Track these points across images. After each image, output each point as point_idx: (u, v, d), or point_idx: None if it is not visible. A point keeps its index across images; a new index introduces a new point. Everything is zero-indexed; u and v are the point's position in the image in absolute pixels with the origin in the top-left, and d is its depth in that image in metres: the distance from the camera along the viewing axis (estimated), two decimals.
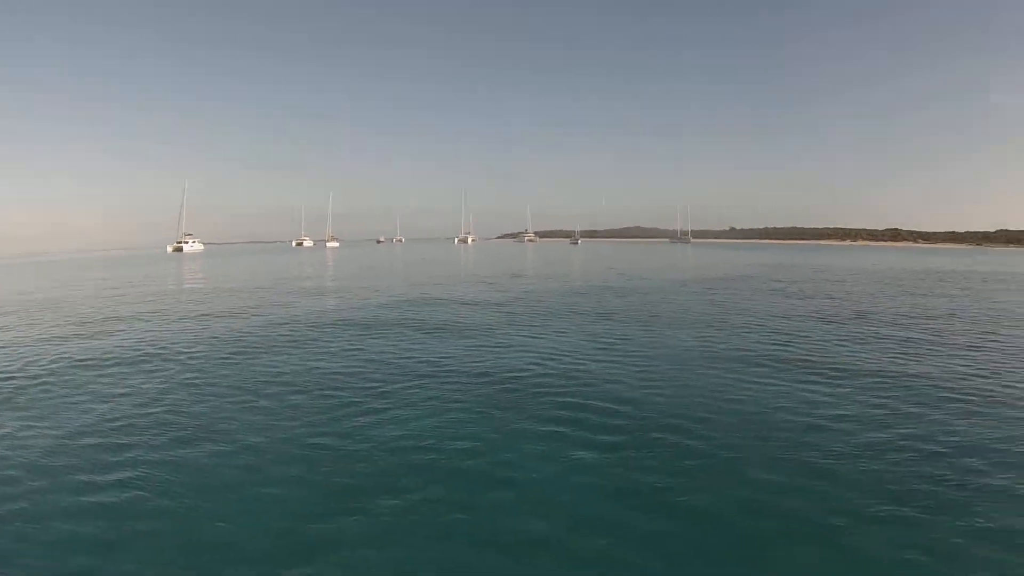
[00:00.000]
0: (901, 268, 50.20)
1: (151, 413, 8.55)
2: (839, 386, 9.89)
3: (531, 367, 11.21)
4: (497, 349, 13.10)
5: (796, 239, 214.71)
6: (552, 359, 11.93)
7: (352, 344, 13.65)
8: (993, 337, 15.07)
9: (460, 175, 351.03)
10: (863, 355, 12.63)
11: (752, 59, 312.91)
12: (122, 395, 9.54)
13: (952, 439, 7.33)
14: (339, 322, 17.09)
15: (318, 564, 4.67)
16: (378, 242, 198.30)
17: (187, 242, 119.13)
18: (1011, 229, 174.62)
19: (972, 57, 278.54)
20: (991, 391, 9.66)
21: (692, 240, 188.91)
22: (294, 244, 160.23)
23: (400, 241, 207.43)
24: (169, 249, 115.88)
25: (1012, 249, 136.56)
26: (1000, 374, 10.91)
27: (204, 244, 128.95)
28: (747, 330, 15.75)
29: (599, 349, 13.06)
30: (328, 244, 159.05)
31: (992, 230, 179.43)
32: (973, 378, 10.56)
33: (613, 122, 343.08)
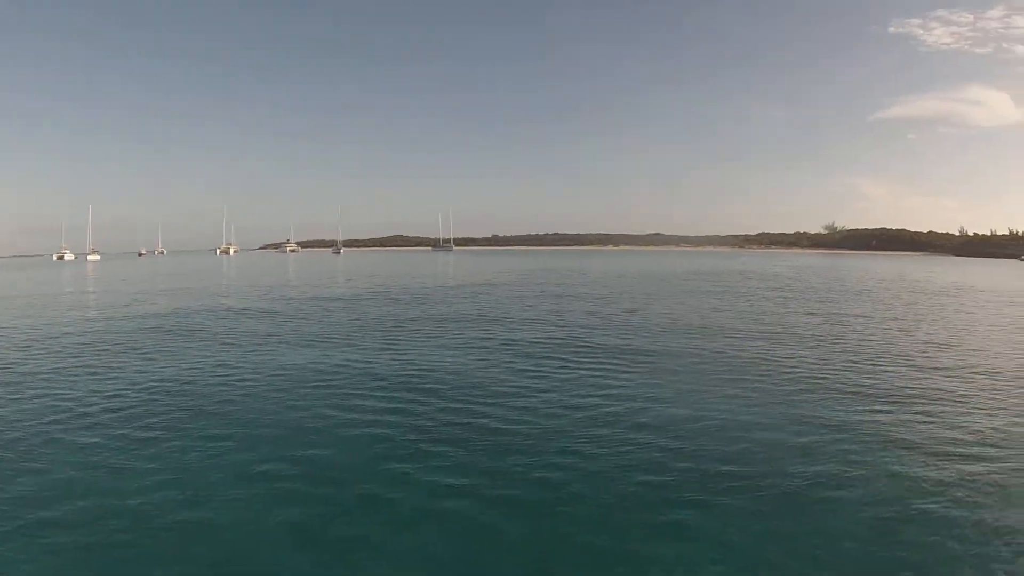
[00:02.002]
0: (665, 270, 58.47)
1: None
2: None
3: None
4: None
5: (558, 245, 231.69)
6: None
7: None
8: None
9: (223, 186, 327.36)
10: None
11: (510, 70, 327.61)
12: None
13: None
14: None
15: None
16: (140, 255, 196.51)
17: None
18: (771, 232, 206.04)
19: (737, 66, 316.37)
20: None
21: (455, 248, 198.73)
22: (55, 258, 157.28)
23: (162, 253, 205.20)
24: None
25: (774, 251, 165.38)
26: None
27: None
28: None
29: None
30: (89, 258, 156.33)
31: (753, 233, 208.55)
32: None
33: (373, 131, 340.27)
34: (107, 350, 15.76)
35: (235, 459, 7.73)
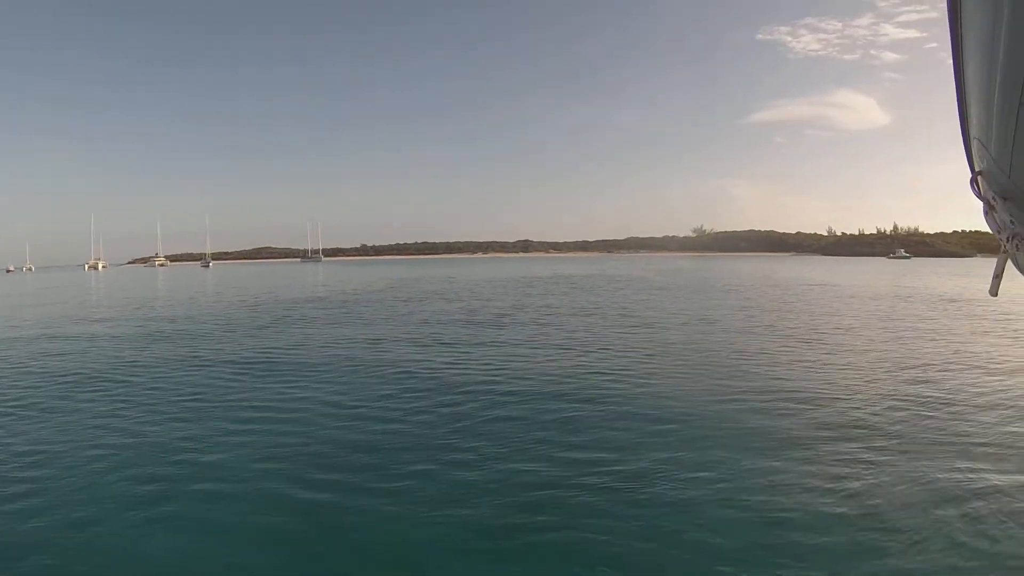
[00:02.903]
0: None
1: None
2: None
3: None
4: None
5: (428, 253, 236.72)
6: None
7: None
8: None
9: (89, 198, 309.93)
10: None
11: (373, 73, 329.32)
12: None
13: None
14: None
15: None
16: (8, 271, 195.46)
17: None
18: (640, 236, 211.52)
19: (603, 71, 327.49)
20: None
21: (324, 259, 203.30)
22: None
23: (30, 269, 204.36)
24: None
25: (644, 254, 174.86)
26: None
27: None
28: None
29: None
30: None
31: (623, 237, 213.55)
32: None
33: (236, 140, 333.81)
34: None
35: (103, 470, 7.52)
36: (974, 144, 1.75)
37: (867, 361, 13.31)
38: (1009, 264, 1.76)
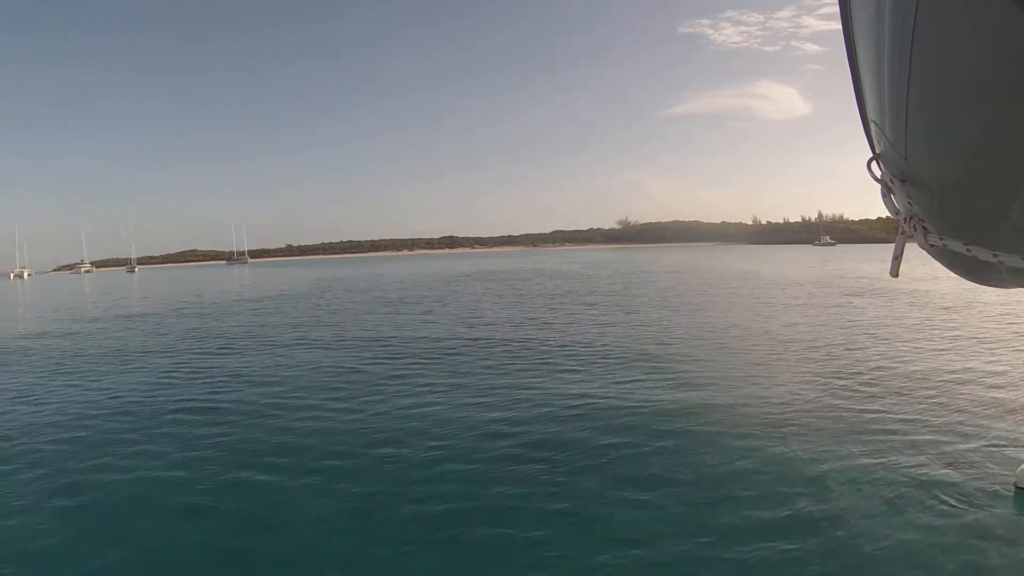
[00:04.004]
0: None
1: None
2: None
3: None
4: None
5: (353, 252, 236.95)
6: None
7: None
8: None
9: (14, 207, 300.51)
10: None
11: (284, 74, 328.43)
12: None
13: None
14: None
15: None
16: None
17: None
18: (565, 230, 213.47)
19: (518, 65, 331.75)
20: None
21: (250, 260, 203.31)
22: None
23: None
24: None
25: (569, 248, 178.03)
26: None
27: None
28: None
29: None
30: None
31: (547, 231, 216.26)
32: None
33: (155, 145, 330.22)
34: None
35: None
36: (872, 127, 1.80)
37: (783, 345, 13.58)
38: (913, 245, 1.83)
